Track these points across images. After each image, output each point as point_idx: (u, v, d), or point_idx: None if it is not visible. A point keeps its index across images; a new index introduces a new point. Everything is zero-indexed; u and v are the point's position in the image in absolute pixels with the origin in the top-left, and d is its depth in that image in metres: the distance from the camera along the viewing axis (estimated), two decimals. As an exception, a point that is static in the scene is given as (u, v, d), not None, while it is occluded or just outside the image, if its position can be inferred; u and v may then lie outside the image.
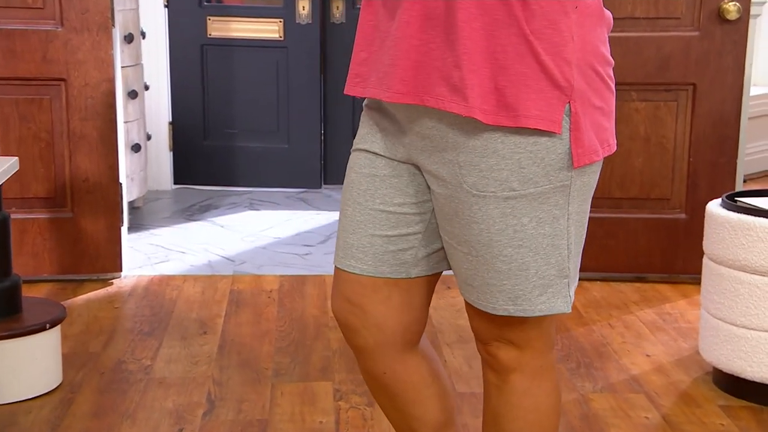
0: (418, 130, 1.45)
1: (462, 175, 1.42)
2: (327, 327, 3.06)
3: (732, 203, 2.53)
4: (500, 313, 1.46)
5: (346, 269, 1.53)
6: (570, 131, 1.40)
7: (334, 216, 4.44)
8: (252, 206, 4.63)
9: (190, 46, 4.88)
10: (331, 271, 3.60)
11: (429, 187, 1.50)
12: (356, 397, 2.55)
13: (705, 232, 2.61)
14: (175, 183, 5.00)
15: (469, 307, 1.54)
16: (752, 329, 2.46)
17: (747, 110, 3.46)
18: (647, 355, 2.84)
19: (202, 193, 4.87)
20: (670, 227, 3.50)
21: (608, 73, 1.44)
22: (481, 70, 1.36)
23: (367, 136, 1.52)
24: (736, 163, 3.45)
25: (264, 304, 3.28)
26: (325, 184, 5.01)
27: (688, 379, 2.68)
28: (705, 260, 2.61)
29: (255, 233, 4.15)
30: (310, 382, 2.65)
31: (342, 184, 4.89)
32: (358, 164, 1.53)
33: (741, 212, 2.48)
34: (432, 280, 1.58)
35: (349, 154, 1.59)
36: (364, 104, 1.56)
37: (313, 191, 4.93)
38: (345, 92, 1.51)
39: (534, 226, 1.43)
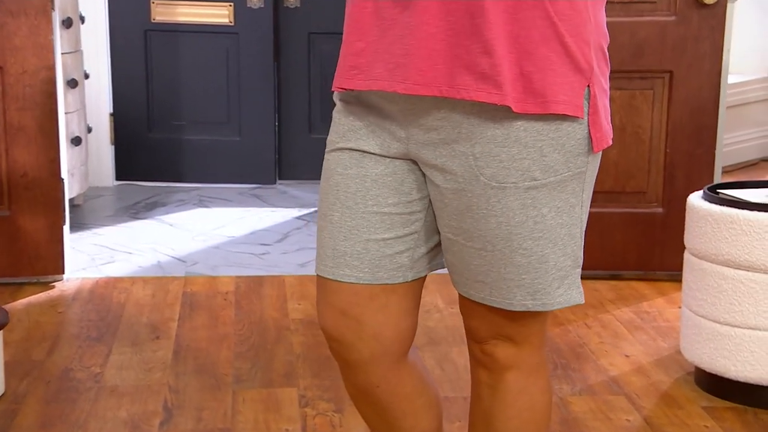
0: (422, 123, 1.45)
1: (479, 167, 1.43)
2: (288, 330, 3.08)
3: (714, 195, 2.60)
4: (518, 308, 1.49)
5: (339, 279, 1.52)
6: (588, 115, 1.44)
7: (291, 213, 4.46)
8: (202, 203, 4.63)
9: (132, 32, 4.87)
10: (290, 271, 3.62)
11: (426, 183, 1.51)
12: (323, 403, 2.58)
13: (686, 226, 2.67)
14: (118, 179, 4.98)
15: (468, 306, 1.56)
16: (736, 327, 2.53)
17: (725, 98, 3.53)
18: (626, 356, 2.90)
19: (147, 189, 4.86)
20: (647, 222, 3.57)
21: (607, 52, 1.49)
22: (508, 55, 1.37)
23: (350, 134, 1.52)
24: (714, 154, 3.53)
25: (220, 307, 3.29)
26: (280, 179, 5.02)
27: (669, 380, 2.74)
28: (686, 255, 2.67)
29: (206, 232, 4.15)
30: (273, 388, 2.67)
31: (298, 179, 4.99)
32: (341, 165, 1.51)
33: (724, 205, 2.54)
34: (423, 281, 1.60)
35: (317, 150, 1.61)
36: (338, 99, 1.55)
37: (268, 187, 4.94)
38: (340, 86, 1.48)
39: (553, 216, 1.46)
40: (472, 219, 1.46)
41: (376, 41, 1.44)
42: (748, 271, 2.50)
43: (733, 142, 5.37)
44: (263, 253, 3.88)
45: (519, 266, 1.47)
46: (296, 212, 4.48)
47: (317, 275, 1.57)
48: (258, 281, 3.54)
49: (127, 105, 4.93)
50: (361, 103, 1.52)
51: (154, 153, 4.96)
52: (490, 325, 1.55)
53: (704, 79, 3.49)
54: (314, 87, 4.98)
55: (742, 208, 2.50)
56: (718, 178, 3.56)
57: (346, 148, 1.52)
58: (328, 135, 1.59)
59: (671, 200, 3.55)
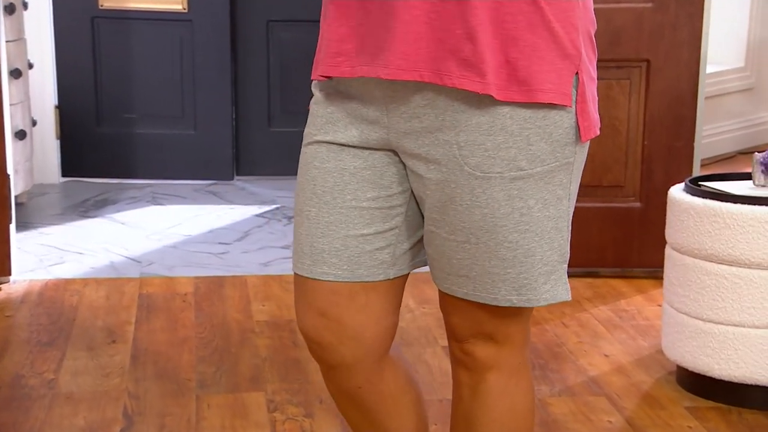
0: (404, 110, 1.48)
1: (463, 156, 1.46)
2: (253, 333, 3.10)
3: (696, 188, 2.65)
4: (503, 304, 1.51)
5: (317, 278, 1.54)
6: (576, 103, 1.47)
7: (251, 211, 4.48)
8: (155, 201, 4.63)
9: (78, 19, 4.85)
10: (253, 271, 3.64)
11: (408, 175, 1.53)
12: (292, 407, 2.60)
13: (667, 220, 2.72)
14: (64, 175, 4.96)
15: (449, 302, 1.58)
16: (720, 324, 2.59)
17: (704, 88, 3.60)
18: (605, 355, 2.95)
19: (96, 186, 4.85)
20: (624, 217, 3.63)
21: (594, 39, 1.52)
22: (492, 41, 1.40)
23: (327, 126, 1.53)
24: (693, 147, 3.59)
25: (179, 309, 3.30)
26: (237, 175, 5.03)
27: (651, 380, 2.80)
28: (667, 250, 2.73)
29: (161, 231, 4.16)
30: (239, 392, 2.68)
31: (257, 175, 5.00)
32: (318, 158, 1.53)
33: (706, 197, 2.60)
34: (406, 278, 1.62)
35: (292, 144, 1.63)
36: (316, 89, 1.57)
37: (225, 183, 4.94)
38: (324, 74, 1.50)
39: (540, 209, 1.48)
40: (455, 211, 1.48)
41: (359, 25, 1.46)
42: (731, 266, 2.56)
43: (709, 135, 5.46)
44: (222, 253, 3.89)
45: (504, 260, 1.49)
46: (256, 209, 4.49)
47: (294, 274, 1.59)
48: (218, 282, 3.56)
49: (73, 97, 4.92)
50: (341, 93, 1.53)
51: (103, 148, 4.95)
52: (472, 323, 1.57)
53: (682, 69, 3.55)
54: (273, 78, 4.99)
55: (725, 201, 2.56)
56: (697, 172, 3.62)
57: (324, 141, 1.54)
58: (303, 128, 1.61)
59: (649, 194, 3.61)
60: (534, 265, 1.50)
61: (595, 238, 3.63)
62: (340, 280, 1.54)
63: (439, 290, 1.60)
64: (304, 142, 1.58)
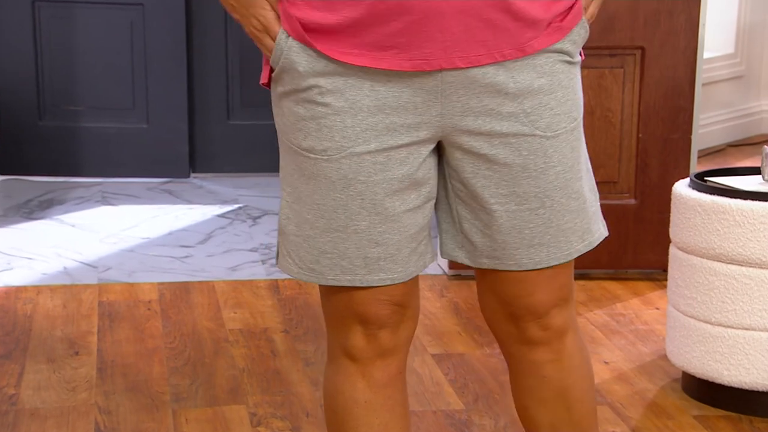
0: (462, 93, 1.60)
1: (532, 122, 1.63)
2: (227, 342, 3.15)
3: (702, 183, 2.74)
4: (573, 256, 1.71)
5: (373, 285, 1.69)
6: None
7: (211, 210, 4.51)
8: (106, 200, 4.65)
9: (16, 3, 4.86)
10: (220, 276, 3.69)
11: (451, 162, 1.67)
12: (277, 421, 2.65)
13: (672, 218, 2.81)
14: (3, 173, 4.96)
15: (528, 282, 1.72)
16: (729, 327, 2.68)
17: (701, 78, 3.70)
18: (605, 362, 3.04)
19: (39, 185, 4.85)
20: (618, 215, 3.72)
21: None
22: None
23: (366, 134, 1.61)
24: (690, 139, 3.69)
25: (144, 318, 3.33)
26: (194, 172, 5.06)
27: (655, 388, 2.89)
28: (672, 250, 2.81)
29: (116, 233, 4.18)
30: (219, 406, 2.73)
31: (215, 172, 5.03)
32: (364, 172, 1.62)
33: (714, 194, 2.69)
34: None
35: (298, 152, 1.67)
36: (322, 83, 1.60)
37: (180, 181, 4.97)
38: (378, 66, 1.57)
39: (582, 152, 1.71)
40: (529, 177, 1.65)
41: (411, 19, 1.55)
42: (741, 266, 2.65)
43: (705, 124, 5.57)
44: (185, 257, 3.93)
45: (573, 212, 1.69)
46: (217, 209, 4.53)
47: (341, 287, 1.70)
48: (184, 288, 3.60)
49: (12, 88, 4.92)
50: (374, 88, 1.60)
51: (46, 143, 4.95)
52: (554, 291, 1.73)
53: (679, 57, 3.64)
54: (233, 66, 5.03)
55: (735, 197, 2.65)
56: (694, 165, 3.72)
57: (366, 152, 1.62)
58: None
59: (644, 190, 3.70)
60: (587, 209, 1.72)
61: (587, 238, 3.71)
62: (397, 282, 1.70)
63: (500, 277, 1.73)
64: (331, 155, 1.62)
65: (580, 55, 1.71)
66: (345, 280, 1.69)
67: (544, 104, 1.63)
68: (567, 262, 1.73)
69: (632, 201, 3.72)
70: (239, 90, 5.06)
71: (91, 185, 4.88)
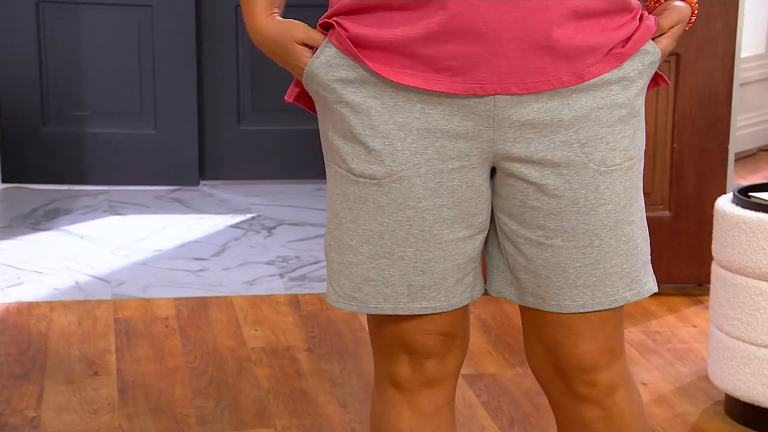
0: (516, 119, 1.63)
1: (586, 154, 1.64)
2: (249, 361, 3.19)
3: (746, 200, 2.78)
4: (619, 303, 1.71)
5: (415, 313, 1.73)
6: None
7: (224, 221, 4.56)
8: (113, 210, 4.69)
9: (20, 4, 4.90)
10: (238, 291, 3.73)
11: (502, 189, 1.69)
12: (308, 446, 2.70)
13: (714, 235, 2.85)
14: (5, 181, 5.01)
15: (572, 329, 1.72)
16: (776, 348, 2.72)
17: (738, 86, 3.74)
18: (643, 384, 3.08)
19: (44, 194, 4.90)
20: (652, 227, 3.70)
21: None
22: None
23: (415, 158, 1.64)
24: (728, 149, 3.73)
25: (162, 335, 3.38)
26: (203, 179, 5.11)
27: (697, 411, 2.93)
28: (715, 268, 2.86)
29: (127, 245, 4.23)
30: (246, 429, 2.78)
31: (225, 179, 5.08)
32: (413, 198, 1.66)
33: (759, 210, 2.73)
34: None
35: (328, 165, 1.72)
36: (367, 101, 1.63)
37: (190, 189, 5.02)
38: (431, 88, 1.60)
39: (637, 197, 1.71)
40: (578, 213, 1.66)
41: (463, 39, 1.58)
42: (788, 285, 2.69)
43: (738, 126, 5.61)
44: (200, 270, 3.97)
45: (622, 256, 1.69)
46: (229, 219, 4.58)
47: (384, 315, 1.74)
48: (201, 303, 3.64)
49: (15, 93, 4.96)
50: (424, 110, 1.63)
51: (51, 150, 5.00)
52: (599, 341, 1.73)
53: (716, 63, 3.69)
54: (244, 70, 5.07)
55: (782, 215, 2.69)
56: (731, 176, 3.76)
57: (416, 177, 1.65)
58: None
59: (679, 202, 3.75)
60: (638, 256, 1.72)
61: (620, 252, 3.75)
62: (438, 312, 1.73)
63: (544, 322, 1.74)
64: (381, 178, 1.66)
65: (659, 82, 1.73)
66: (387, 308, 1.72)
67: (600, 137, 1.64)
68: (614, 312, 1.72)
69: (667, 213, 3.76)
70: (250, 94, 5.10)
71: (98, 193, 4.92)
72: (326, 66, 1.65)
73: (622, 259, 1.69)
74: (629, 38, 1.65)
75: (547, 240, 1.68)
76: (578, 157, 1.64)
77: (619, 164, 1.66)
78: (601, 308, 1.70)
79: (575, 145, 1.64)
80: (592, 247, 1.67)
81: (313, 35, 1.65)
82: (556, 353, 1.75)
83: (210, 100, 5.10)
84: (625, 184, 1.67)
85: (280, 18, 1.68)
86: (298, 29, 1.66)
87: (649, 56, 1.67)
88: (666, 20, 1.68)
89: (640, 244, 1.72)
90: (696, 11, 1.71)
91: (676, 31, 1.69)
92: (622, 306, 1.74)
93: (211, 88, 5.09)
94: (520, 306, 1.78)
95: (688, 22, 1.70)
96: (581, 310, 1.70)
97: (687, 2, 1.70)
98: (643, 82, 1.68)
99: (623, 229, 1.68)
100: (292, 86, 1.73)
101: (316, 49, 1.66)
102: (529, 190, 1.66)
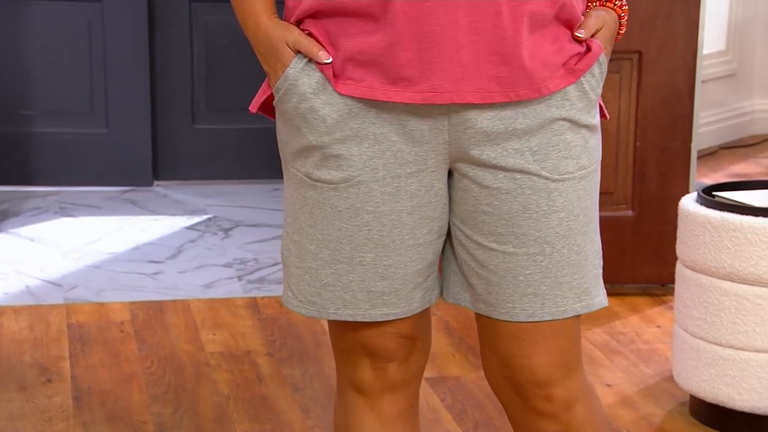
0: (469, 126, 1.66)
1: (538, 161, 1.67)
2: (208, 366, 3.20)
3: (711, 199, 2.83)
4: (569, 314, 1.72)
5: (375, 320, 1.75)
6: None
7: (179, 222, 4.55)
8: (64, 211, 4.68)
9: (-35, -1, 4.88)
10: (195, 294, 3.74)
11: (456, 193, 1.71)
12: (270, 452, 2.72)
13: (679, 235, 2.89)
14: (-50, 183, 4.98)
15: (524, 340, 1.73)
16: (741, 349, 2.76)
17: (700, 83, 3.79)
18: (608, 385, 3.12)
19: (-9, 195, 4.88)
20: (615, 227, 3.80)
21: None
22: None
23: (373, 162, 1.67)
24: (690, 147, 3.78)
25: (118, 341, 3.38)
26: (157, 179, 5.09)
27: (662, 412, 2.97)
28: (680, 268, 2.90)
29: (79, 248, 4.22)
30: (206, 436, 2.80)
31: (180, 179, 5.07)
32: (371, 202, 1.68)
33: (724, 210, 2.77)
34: None
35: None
36: (324, 109, 1.66)
37: (143, 190, 5.00)
38: (388, 99, 1.63)
39: (592, 208, 1.73)
40: (529, 219, 1.68)
41: (421, 49, 1.61)
42: (753, 285, 2.74)
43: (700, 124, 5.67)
44: (156, 273, 3.97)
45: (573, 266, 1.70)
46: (185, 221, 4.57)
47: (342, 321, 1.76)
48: (157, 307, 3.64)
49: (-39, 90, 4.93)
50: (381, 116, 1.67)
51: (-2, 150, 4.98)
52: (548, 353, 1.74)
53: (678, 61, 3.74)
54: (198, 67, 5.06)
55: (746, 214, 2.74)
56: (693, 175, 3.82)
57: (374, 182, 1.68)
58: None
59: (642, 202, 3.79)
60: (589, 268, 1.73)
61: (582, 252, 3.79)
62: (398, 318, 1.76)
63: (493, 335, 1.76)
64: (338, 183, 1.69)
65: (602, 111, 1.77)
66: (347, 314, 1.75)
67: (552, 144, 1.67)
68: (568, 324, 1.74)
69: (629, 212, 3.81)
70: (205, 92, 5.10)
71: (47, 195, 4.90)
72: (301, 71, 1.68)
73: (573, 269, 1.70)
74: (585, 54, 1.69)
75: (499, 246, 1.70)
76: (530, 165, 1.67)
77: (572, 173, 1.68)
78: (550, 318, 1.72)
79: (527, 153, 1.67)
80: (543, 255, 1.69)
81: (303, 40, 1.68)
82: (510, 365, 1.76)
83: (163, 97, 5.09)
84: (579, 194, 1.69)
85: (279, 20, 1.71)
86: (293, 33, 1.68)
87: (602, 67, 1.72)
88: (591, 21, 1.71)
89: (592, 256, 1.73)
90: (624, 18, 1.75)
91: (603, 35, 1.72)
92: (578, 319, 1.75)
93: (164, 86, 5.08)
94: (475, 314, 1.79)
95: (620, 26, 1.75)
96: (530, 319, 1.72)
97: (614, 10, 1.74)
98: (596, 94, 1.72)
99: (576, 239, 1.70)
100: (257, 95, 1.76)
101: (302, 54, 1.68)
102: (482, 194, 1.69)
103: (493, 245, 1.70)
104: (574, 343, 1.76)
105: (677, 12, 3.71)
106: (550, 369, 1.74)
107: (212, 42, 5.06)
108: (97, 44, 4.95)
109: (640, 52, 3.73)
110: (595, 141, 1.72)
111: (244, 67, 4.64)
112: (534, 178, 1.67)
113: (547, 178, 1.66)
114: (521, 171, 1.67)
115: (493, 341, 1.77)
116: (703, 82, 6.01)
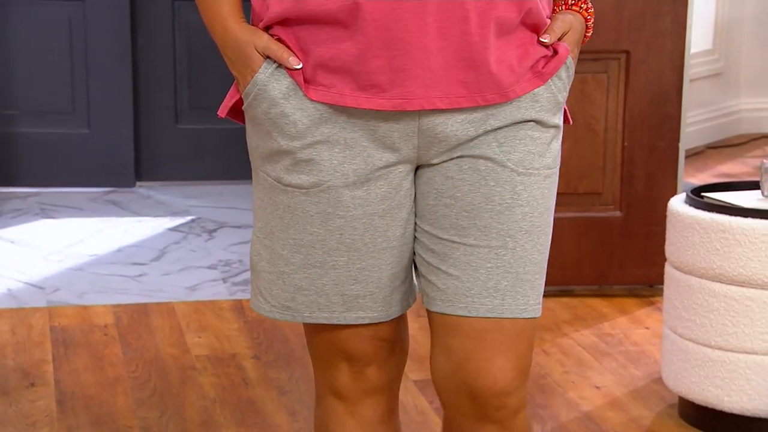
0: (440, 129, 1.68)
1: (504, 153, 1.69)
2: (194, 369, 3.20)
3: (699, 200, 2.84)
4: (529, 314, 1.72)
5: (351, 323, 1.76)
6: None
7: (162, 224, 4.55)
8: (45, 213, 4.68)
9: (-55, -2, 4.87)
10: (179, 297, 3.75)
11: (420, 185, 1.72)
12: (257, 456, 2.72)
13: (668, 236, 2.91)
14: (-70, 183, 4.97)
15: (485, 341, 1.70)
16: (730, 351, 2.78)
17: (688, 82, 3.81)
18: (597, 387, 3.13)
19: (-29, 196, 4.87)
20: (602, 228, 3.82)
21: None
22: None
23: (343, 167, 1.69)
24: (678, 147, 3.80)
25: (102, 344, 3.38)
26: (139, 180, 5.09)
27: (651, 414, 2.99)
28: (668, 269, 2.91)
29: (61, 250, 4.22)
30: (192, 440, 2.80)
31: (162, 180, 5.07)
32: (342, 207, 1.70)
33: (713, 211, 2.79)
34: None
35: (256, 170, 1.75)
36: (296, 115, 1.68)
37: (125, 191, 5.00)
38: (358, 106, 1.65)
39: (551, 209, 1.74)
40: (492, 212, 1.69)
41: (391, 56, 1.63)
42: (742, 286, 2.75)
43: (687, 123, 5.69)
44: (139, 275, 3.97)
45: (535, 264, 1.71)
46: (168, 222, 4.58)
47: (319, 325, 1.77)
48: (141, 310, 3.65)
49: (-60, 90, 4.93)
50: (350, 121, 1.68)
51: (-22, 150, 4.97)
52: (510, 356, 1.72)
53: (665, 61, 3.75)
54: (180, 67, 5.07)
55: (735, 215, 2.75)
56: (681, 175, 3.84)
57: (344, 186, 1.69)
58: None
59: (630, 202, 3.81)
60: (543, 273, 1.75)
61: (570, 253, 3.81)
62: (375, 321, 1.76)
63: (450, 335, 1.73)
64: (309, 188, 1.70)
65: (566, 116, 1.78)
66: (322, 318, 1.76)
67: (519, 138, 1.69)
68: (530, 325, 1.72)
69: (617, 213, 3.83)
70: (188, 92, 5.10)
71: (28, 196, 4.90)
72: (270, 76, 1.69)
73: (535, 268, 1.71)
74: (552, 57, 1.71)
75: (460, 238, 1.71)
76: (496, 155, 1.69)
77: (537, 169, 1.70)
78: (510, 315, 1.70)
79: (493, 143, 1.69)
80: (506, 249, 1.69)
81: (272, 46, 1.68)
82: (466, 369, 1.71)
83: (146, 98, 5.09)
84: (543, 191, 1.70)
85: (247, 24, 1.72)
86: (262, 38, 1.69)
87: (569, 70, 1.74)
88: (557, 24, 1.72)
89: (545, 263, 1.74)
90: (590, 21, 1.76)
91: (570, 38, 1.73)
92: (535, 322, 1.74)
93: (147, 86, 5.08)
94: (429, 316, 1.75)
95: (586, 29, 1.76)
96: (489, 315, 1.70)
97: (580, 13, 1.75)
98: (563, 97, 1.74)
99: (539, 237, 1.71)
100: (226, 100, 1.77)
101: (271, 59, 1.69)
102: (444, 186, 1.71)
103: (454, 238, 1.71)
104: (531, 347, 1.76)
105: (665, 11, 3.73)
106: (511, 374, 1.72)
107: (195, 42, 5.05)
108: (78, 44, 4.95)
109: (627, 52, 3.74)
110: (557, 145, 1.74)
111: (228, 67, 4.64)
112: (498, 169, 1.68)
113: (512, 170, 1.68)
114: (486, 158, 1.68)
115: (448, 342, 1.73)
116: (690, 81, 6.06)
